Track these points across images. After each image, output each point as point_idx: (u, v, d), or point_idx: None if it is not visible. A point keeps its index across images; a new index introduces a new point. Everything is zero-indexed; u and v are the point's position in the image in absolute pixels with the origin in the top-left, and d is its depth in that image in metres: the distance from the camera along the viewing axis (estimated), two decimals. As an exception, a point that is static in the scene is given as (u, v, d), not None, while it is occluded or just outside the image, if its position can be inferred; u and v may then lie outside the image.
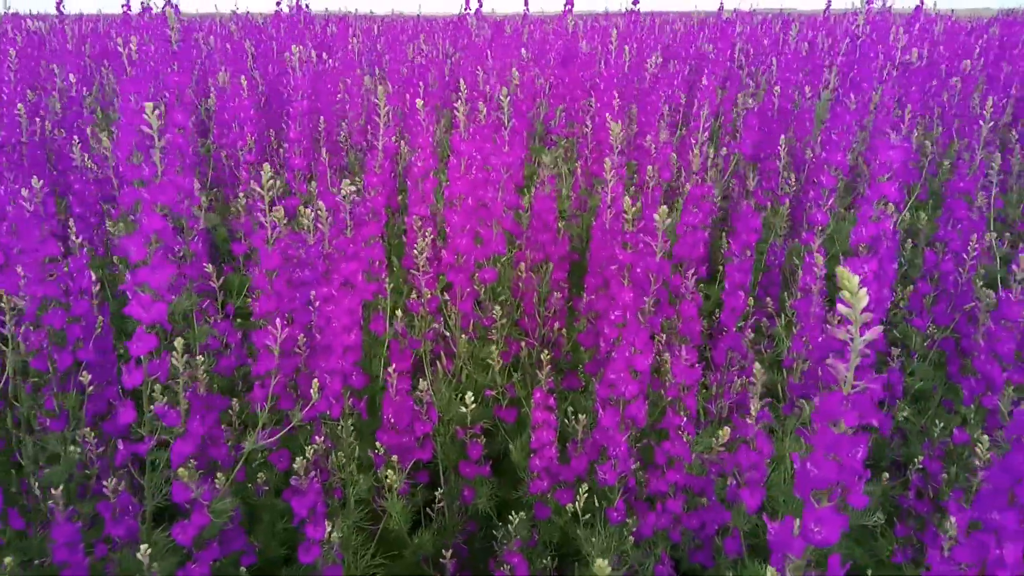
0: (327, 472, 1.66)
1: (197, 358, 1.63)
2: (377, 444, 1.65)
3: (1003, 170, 3.15)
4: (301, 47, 3.12)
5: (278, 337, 1.40)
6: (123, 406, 1.35)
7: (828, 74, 3.46)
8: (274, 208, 1.84)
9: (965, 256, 1.93)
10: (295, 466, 1.37)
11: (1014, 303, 1.55)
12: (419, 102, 2.89)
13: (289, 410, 1.59)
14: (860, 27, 3.35)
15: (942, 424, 1.74)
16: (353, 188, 1.67)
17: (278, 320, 1.41)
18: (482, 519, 2.03)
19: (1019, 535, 0.95)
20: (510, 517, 1.83)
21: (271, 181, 1.60)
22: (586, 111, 3.47)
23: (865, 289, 0.80)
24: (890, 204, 1.44)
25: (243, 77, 2.77)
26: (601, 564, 0.89)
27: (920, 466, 1.76)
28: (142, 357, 1.30)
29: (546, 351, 1.91)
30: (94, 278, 1.60)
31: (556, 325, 2.38)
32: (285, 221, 2.07)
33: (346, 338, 1.49)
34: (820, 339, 1.62)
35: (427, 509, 2.01)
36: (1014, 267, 1.52)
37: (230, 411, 1.81)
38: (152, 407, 1.34)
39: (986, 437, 1.36)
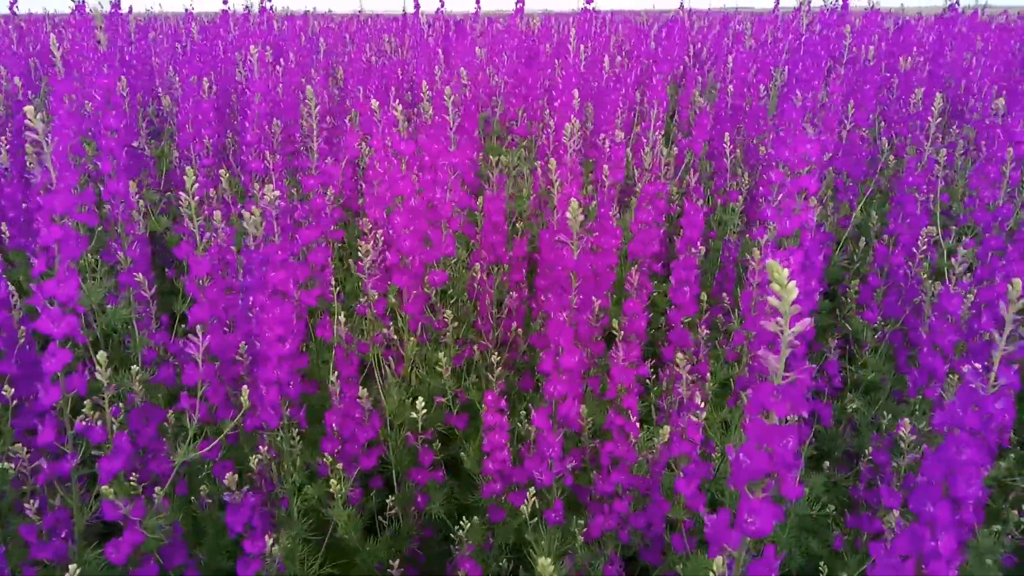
0: (271, 483, 1.61)
1: (132, 369, 1.57)
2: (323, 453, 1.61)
3: (947, 164, 3.21)
4: (258, 48, 3.05)
5: (200, 347, 1.36)
6: (43, 424, 1.29)
7: (776, 72, 3.50)
8: (201, 213, 1.79)
9: (915, 250, 1.96)
10: (227, 480, 1.33)
11: (954, 296, 1.56)
12: (374, 102, 2.84)
13: (231, 420, 1.54)
14: (805, 25, 3.39)
15: (890, 415, 1.75)
16: (276, 194, 1.62)
17: (199, 329, 1.36)
18: (439, 524, 2.00)
19: (953, 526, 0.95)
20: (468, 521, 1.81)
21: (195, 185, 1.55)
22: (544, 110, 3.46)
23: (795, 282, 0.79)
24: (812, 197, 1.44)
25: (204, 78, 2.70)
26: (544, 563, 0.87)
27: (869, 457, 1.77)
28: (58, 373, 1.24)
29: (496, 354, 1.89)
30: (11, 288, 1.53)
31: (513, 326, 2.36)
32: (224, 225, 2.02)
33: (280, 348, 1.45)
34: (757, 332, 1.62)
35: (381, 516, 1.97)
36: (954, 261, 1.53)
37: (166, 423, 1.75)
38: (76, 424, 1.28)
39: (908, 428, 1.37)
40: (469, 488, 2.02)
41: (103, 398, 1.27)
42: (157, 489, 1.46)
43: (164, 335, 2.01)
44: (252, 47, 2.83)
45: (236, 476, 1.35)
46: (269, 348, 1.45)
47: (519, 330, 2.34)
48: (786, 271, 0.83)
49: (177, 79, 3.79)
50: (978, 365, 1.10)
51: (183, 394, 1.47)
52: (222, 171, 2.64)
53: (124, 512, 1.25)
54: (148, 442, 1.68)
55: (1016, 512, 1.47)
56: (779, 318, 0.81)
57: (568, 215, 1.40)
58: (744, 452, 0.84)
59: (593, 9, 5.04)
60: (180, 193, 1.75)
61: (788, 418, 0.87)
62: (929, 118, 2.26)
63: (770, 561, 0.91)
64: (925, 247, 1.94)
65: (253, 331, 1.54)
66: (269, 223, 1.68)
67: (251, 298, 1.58)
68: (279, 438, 1.56)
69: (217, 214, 1.93)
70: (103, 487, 1.22)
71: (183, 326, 2.39)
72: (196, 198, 1.77)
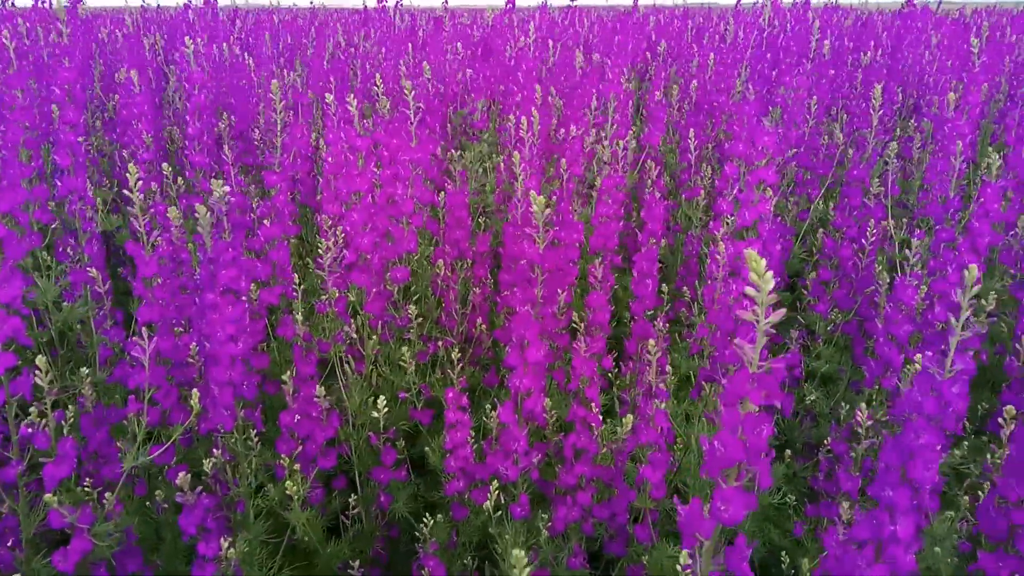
0: (226, 486, 1.58)
1: (82, 371, 1.53)
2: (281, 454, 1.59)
3: (905, 156, 3.27)
4: (202, 39, 2.99)
5: (147, 349, 1.32)
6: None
7: (740, 68, 3.52)
8: (147, 211, 1.75)
9: (864, 242, 1.98)
10: (179, 481, 1.30)
11: (908, 287, 1.59)
12: (329, 96, 2.81)
13: (186, 423, 1.51)
14: (767, 21, 3.43)
15: (848, 406, 1.78)
16: (226, 189, 1.59)
17: (144, 331, 1.33)
18: (405, 522, 1.98)
19: (912, 511, 0.97)
20: (433, 519, 1.80)
21: (138, 181, 1.51)
22: (510, 105, 3.45)
23: (772, 272, 0.80)
24: (768, 188, 1.46)
25: (136, 72, 2.64)
26: (519, 555, 0.86)
27: (828, 447, 1.79)
28: (1, 377, 1.20)
29: (457, 350, 1.88)
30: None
31: (478, 321, 2.34)
32: (180, 222, 1.97)
33: (232, 347, 1.42)
34: (719, 325, 1.63)
35: (344, 516, 1.95)
36: (907, 252, 1.56)
37: (125, 425, 1.71)
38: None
39: (865, 415, 1.39)
40: (435, 485, 2.00)
41: (45, 403, 1.23)
42: (108, 494, 1.42)
43: (119, 332, 1.96)
44: (187, 39, 2.77)
45: (188, 477, 1.32)
46: (221, 348, 1.42)
47: (484, 325, 2.33)
48: (763, 261, 0.83)
49: (124, 73, 3.70)
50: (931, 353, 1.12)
51: (131, 397, 1.43)
52: (164, 166, 2.59)
53: (70, 520, 1.21)
54: (100, 446, 1.63)
55: (968, 499, 1.50)
56: (755, 307, 0.81)
57: (533, 208, 1.39)
58: (719, 440, 0.85)
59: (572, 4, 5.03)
60: (124, 191, 1.70)
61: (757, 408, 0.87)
62: (871, 111, 2.29)
63: (742, 550, 0.92)
64: (874, 239, 1.97)
65: (204, 331, 1.50)
66: (219, 219, 1.64)
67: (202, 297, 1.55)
68: (233, 440, 1.52)
69: (173, 210, 1.89)
70: (47, 495, 1.18)
71: (152, 329, 2.34)
72: (140, 195, 1.73)
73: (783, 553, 1.71)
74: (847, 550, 1.06)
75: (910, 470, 1.01)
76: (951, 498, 1.69)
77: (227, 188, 1.58)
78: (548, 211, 1.39)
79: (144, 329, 1.46)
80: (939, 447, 0.97)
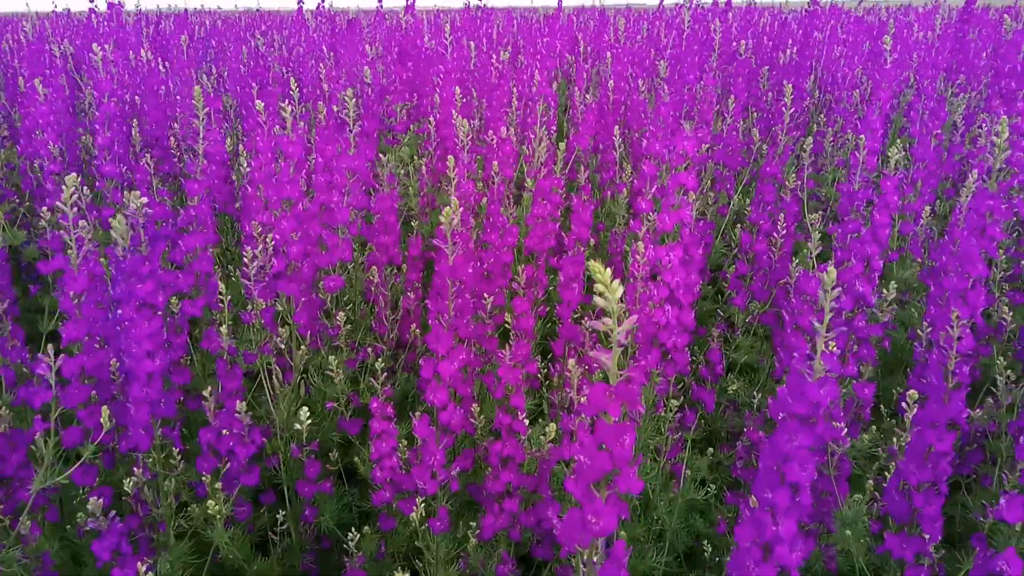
0: (148, 506, 1.54)
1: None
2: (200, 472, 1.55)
3: (817, 151, 3.40)
4: (109, 45, 2.89)
5: (52, 367, 1.28)
6: None
7: (660, 67, 3.60)
8: (79, 223, 1.69)
9: (776, 235, 2.05)
10: (90, 506, 1.26)
11: (811, 278, 1.65)
12: (259, 103, 2.75)
13: (107, 444, 1.46)
14: (685, 21, 3.51)
15: (759, 395, 1.84)
16: (144, 200, 1.54)
17: (50, 348, 1.28)
18: (336, 534, 1.96)
19: (792, 511, 1.00)
20: (369, 529, 1.78)
21: (74, 195, 1.45)
22: (431, 107, 3.43)
23: (618, 281, 0.81)
24: (690, 193, 1.49)
25: (39, 80, 2.54)
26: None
27: (746, 437, 1.85)
28: None
29: (382, 359, 1.86)
30: None
31: (412, 327, 2.33)
32: (89, 236, 1.90)
33: (149, 364, 1.38)
34: (640, 326, 1.66)
35: (273, 531, 1.92)
36: (809, 244, 1.62)
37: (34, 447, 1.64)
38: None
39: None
40: (369, 496, 1.99)
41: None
42: (22, 518, 1.37)
43: (22, 352, 1.89)
44: (95, 46, 2.68)
45: (100, 501, 1.27)
46: (138, 365, 1.38)
47: (417, 331, 2.32)
48: (608, 271, 0.84)
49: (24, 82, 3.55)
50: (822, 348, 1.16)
51: (36, 418, 1.38)
52: (71, 177, 2.50)
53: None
54: (15, 471, 1.57)
55: (872, 482, 1.57)
56: (606, 319, 0.82)
57: (442, 219, 1.39)
58: (584, 453, 0.86)
59: (484, 6, 5.04)
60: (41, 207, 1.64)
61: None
62: (783, 108, 2.37)
63: (619, 559, 0.93)
64: (786, 232, 2.04)
65: (121, 347, 1.46)
66: (136, 232, 1.59)
67: (119, 312, 1.50)
68: (151, 460, 1.48)
69: (83, 223, 1.82)
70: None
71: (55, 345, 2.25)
72: (72, 209, 1.66)
73: (705, 543, 1.76)
74: (744, 547, 1.09)
75: (787, 472, 1.03)
76: (863, 481, 1.76)
77: (145, 199, 1.53)
78: (455, 221, 1.39)
79: (51, 346, 1.40)
80: (813, 448, 1.00)
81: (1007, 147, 1.69)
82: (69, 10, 6.55)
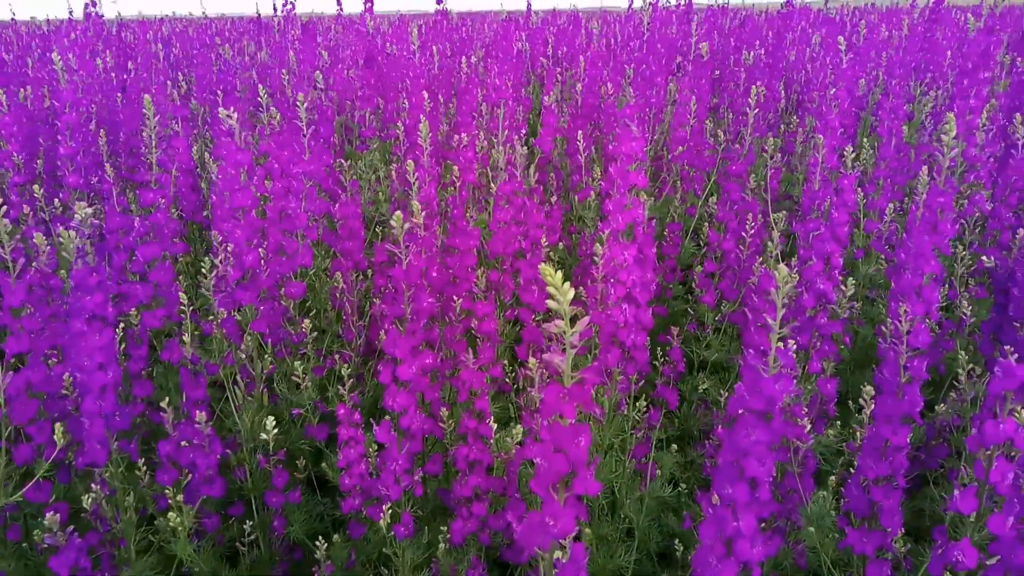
0: (107, 521, 1.51)
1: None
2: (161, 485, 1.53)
3: (788, 151, 3.43)
4: (74, 54, 2.85)
5: (2, 383, 1.25)
6: None
7: (629, 69, 3.61)
8: (14, 236, 1.66)
9: (744, 234, 2.07)
10: (47, 522, 1.23)
11: (771, 276, 1.66)
12: (222, 111, 2.72)
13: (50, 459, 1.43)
14: (646, 25, 3.52)
15: (728, 394, 1.84)
16: (90, 211, 1.52)
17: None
18: (307, 544, 1.94)
19: (751, 507, 1.00)
20: (339, 538, 1.76)
21: (2, 207, 1.43)
22: (398, 112, 3.42)
23: (569, 283, 0.81)
24: (641, 192, 1.50)
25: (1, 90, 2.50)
26: None
27: (715, 436, 1.85)
28: None
29: (349, 365, 1.85)
30: None
31: (381, 333, 2.31)
32: (47, 247, 1.87)
33: (102, 377, 1.35)
34: (601, 327, 1.66)
35: (241, 543, 1.89)
36: (770, 243, 1.63)
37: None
38: None
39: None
40: (339, 504, 1.97)
41: None
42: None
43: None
44: (55, 55, 2.64)
45: (57, 517, 1.25)
46: (90, 378, 1.36)
47: (385, 336, 2.30)
48: (559, 273, 0.84)
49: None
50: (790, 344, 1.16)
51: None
52: (36, 187, 2.46)
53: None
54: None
55: (835, 479, 1.58)
56: (559, 321, 0.82)
57: (393, 223, 1.38)
58: (541, 456, 0.85)
59: (445, 10, 5.03)
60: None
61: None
62: (747, 109, 2.39)
63: (578, 562, 0.93)
64: (753, 232, 2.05)
65: (73, 360, 1.43)
66: (83, 243, 1.57)
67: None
68: (108, 474, 1.46)
69: (38, 236, 1.79)
70: None
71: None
72: (6, 221, 1.64)
73: (677, 541, 1.76)
74: (707, 544, 1.09)
75: (746, 467, 1.03)
76: (829, 475, 1.77)
77: (90, 210, 1.51)
78: (408, 225, 1.38)
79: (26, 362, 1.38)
80: (771, 443, 1.01)
81: (954, 144, 1.71)
82: (47, 18, 6.46)
